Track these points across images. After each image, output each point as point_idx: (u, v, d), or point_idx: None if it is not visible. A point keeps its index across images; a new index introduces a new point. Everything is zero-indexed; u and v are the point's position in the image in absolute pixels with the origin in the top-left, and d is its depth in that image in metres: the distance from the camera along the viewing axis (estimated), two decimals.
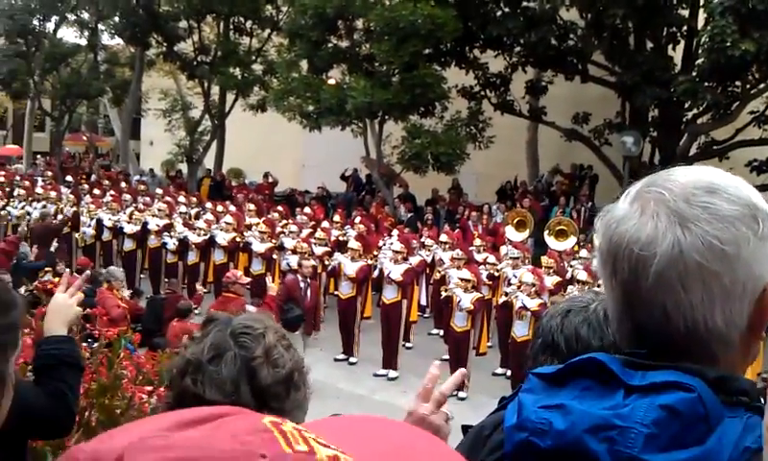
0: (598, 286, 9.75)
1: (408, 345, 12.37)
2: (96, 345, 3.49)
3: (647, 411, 0.92)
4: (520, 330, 10.22)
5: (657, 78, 16.09)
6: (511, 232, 15.06)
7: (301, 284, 11.34)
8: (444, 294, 11.53)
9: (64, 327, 2.26)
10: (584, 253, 13.21)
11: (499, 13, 17.64)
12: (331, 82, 19.38)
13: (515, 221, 15.47)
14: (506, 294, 11.15)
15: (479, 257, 13.38)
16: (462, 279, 11.09)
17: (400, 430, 0.90)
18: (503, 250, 13.92)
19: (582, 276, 11.09)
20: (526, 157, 22.19)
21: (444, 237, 14.35)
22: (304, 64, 20.16)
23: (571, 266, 12.58)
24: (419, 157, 17.55)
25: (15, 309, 1.23)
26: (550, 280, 11.57)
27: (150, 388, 3.30)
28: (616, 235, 1.00)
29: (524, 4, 17.51)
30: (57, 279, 7.62)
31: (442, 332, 12.55)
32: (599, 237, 1.07)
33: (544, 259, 12.37)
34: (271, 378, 1.31)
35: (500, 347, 11.58)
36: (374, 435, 0.84)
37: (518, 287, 10.69)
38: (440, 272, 13.30)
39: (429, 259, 14.15)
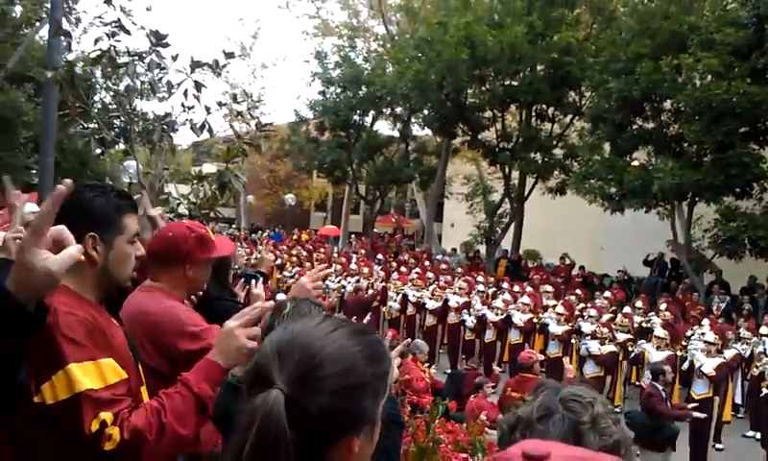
0: None
1: (719, 446, 11.18)
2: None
3: None
4: None
5: None
6: None
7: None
8: (764, 392, 10.31)
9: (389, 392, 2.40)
10: None
11: None
12: (635, 163, 18.84)
13: None
14: None
15: None
16: None
17: None
18: None
19: None
20: None
21: (764, 329, 12.95)
22: (607, 147, 19.91)
23: None
24: (734, 240, 16.19)
25: (387, 360, 1.33)
26: None
27: (465, 455, 3.40)
28: None
29: None
30: None
31: (759, 435, 11.19)
32: None
33: None
34: (597, 445, 1.33)
35: None
36: None
37: None
38: (758, 367, 11.98)
39: (746, 353, 12.83)
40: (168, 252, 2.99)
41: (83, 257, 1.71)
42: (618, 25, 19.59)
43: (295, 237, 32.75)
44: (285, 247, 27.32)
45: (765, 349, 12.33)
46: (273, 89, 68.35)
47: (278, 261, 22.60)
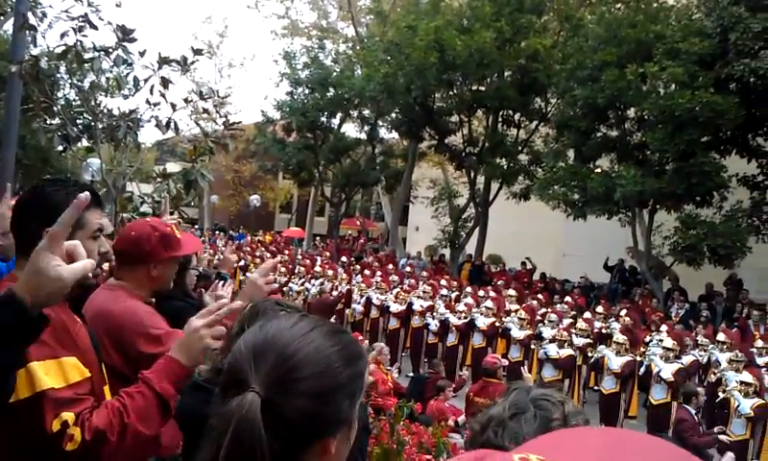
0: None
1: None
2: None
3: None
4: None
5: None
6: None
7: None
8: (720, 396, 10.53)
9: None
10: None
11: None
12: (598, 170, 19.10)
13: None
14: None
15: (761, 361, 12.09)
16: (741, 383, 10.08)
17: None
18: None
19: None
20: None
21: (721, 336, 13.20)
22: (571, 154, 20.15)
23: None
24: (693, 248, 16.49)
25: (363, 360, 1.32)
26: None
27: (429, 457, 3.42)
28: None
29: None
30: None
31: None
32: None
33: None
34: None
35: None
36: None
37: None
38: (715, 374, 12.21)
39: (704, 360, 13.09)
40: (131, 250, 2.95)
41: (90, 274, 1.73)
42: (585, 33, 19.74)
43: (258, 239, 32.56)
44: (249, 248, 27.14)
45: (718, 357, 12.56)
46: (240, 89, 68.00)
47: (242, 262, 22.45)
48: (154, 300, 3.07)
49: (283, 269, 22.17)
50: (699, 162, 16.44)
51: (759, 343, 13.10)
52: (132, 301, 2.89)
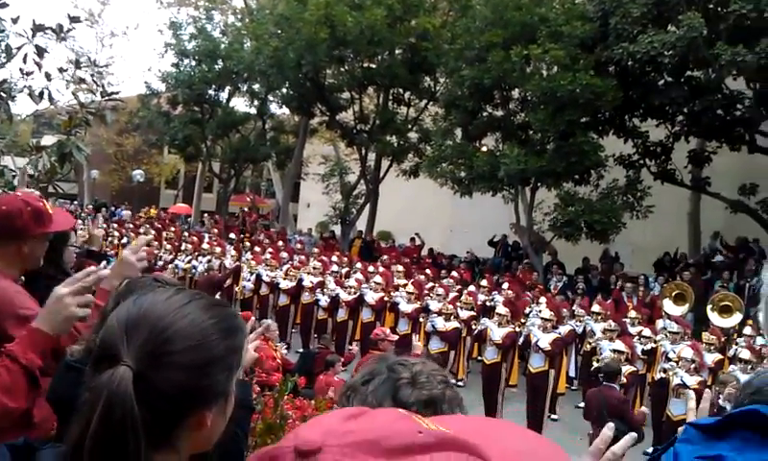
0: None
1: (554, 417, 11.99)
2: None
3: None
4: (677, 409, 9.67)
5: None
6: (668, 306, 14.37)
7: None
8: (594, 365, 11.16)
9: (242, 371, 2.38)
10: (747, 330, 12.36)
11: (661, 83, 17.16)
12: (484, 149, 19.61)
13: (673, 294, 14.75)
14: (663, 370, 10.61)
15: (633, 330, 12.85)
16: (615, 351, 10.72)
17: (526, 435, 0.90)
18: (659, 324, 13.31)
19: (745, 354, 10.37)
20: (688, 230, 21.18)
21: (596, 307, 13.94)
22: (459, 132, 20.57)
23: (736, 344, 11.81)
24: (571, 224, 17.28)
25: (241, 333, 1.31)
26: (711, 358, 10.91)
27: None
28: None
29: (688, 73, 17.00)
30: None
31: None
32: None
33: (705, 336, 11.69)
34: (413, 397, 1.39)
35: (653, 424, 10.97)
36: (504, 435, 0.86)
37: (677, 363, 10.16)
38: (590, 343, 12.89)
39: (579, 330, 13.78)
40: (2, 227, 2.81)
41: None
42: (473, 14, 20.05)
43: (143, 215, 31.45)
44: (132, 225, 26.19)
45: (593, 327, 13.27)
46: (123, 60, 65.14)
47: (125, 240, 21.66)
48: (23, 278, 2.94)
49: (169, 246, 21.58)
50: (578, 142, 17.16)
51: (632, 313, 13.94)
52: (1, 280, 2.76)
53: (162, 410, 1.16)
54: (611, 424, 1.58)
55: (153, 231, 23.17)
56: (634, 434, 1.56)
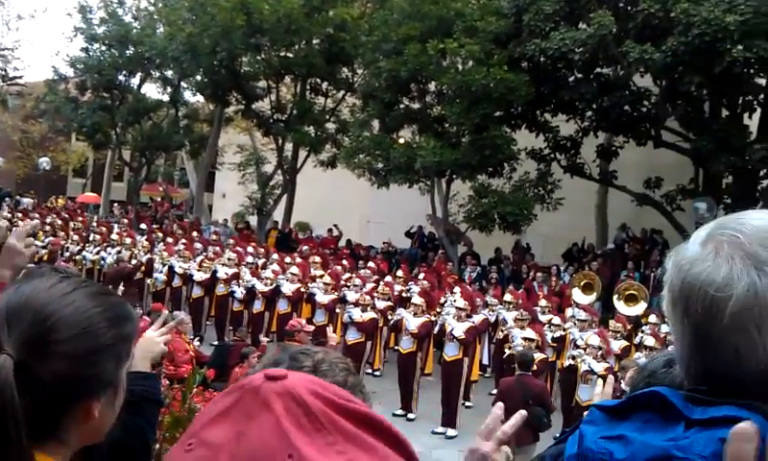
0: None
1: (468, 404, 12.20)
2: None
3: (706, 444, 0.92)
4: (585, 394, 9.99)
5: (732, 145, 15.77)
6: (577, 295, 14.85)
7: None
8: (507, 353, 11.42)
9: (149, 364, 2.28)
10: (653, 318, 12.92)
11: (572, 79, 17.66)
12: (401, 141, 19.74)
13: (581, 283, 15.26)
14: (572, 357, 10.96)
15: (543, 318, 13.22)
16: (526, 339, 10.99)
17: None
18: (569, 312, 13.75)
19: (649, 342, 10.84)
20: (595, 221, 21.95)
21: (508, 297, 14.25)
22: (376, 124, 20.65)
23: (642, 332, 12.32)
24: (485, 216, 17.60)
25: (131, 322, 1.29)
26: (617, 345, 11.33)
27: None
28: (690, 277, 1.02)
29: (597, 70, 17.56)
30: None
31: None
32: (669, 278, 1.09)
33: (612, 323, 12.16)
34: None
35: (563, 409, 11.32)
36: None
37: (585, 350, 10.50)
38: (503, 331, 13.18)
39: (492, 319, 14.06)
40: None
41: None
42: (391, 6, 20.12)
43: (50, 205, 30.19)
44: (38, 215, 25.07)
45: (505, 316, 13.58)
46: (30, 44, 61.98)
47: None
48: None
49: (76, 237, 20.80)
50: (492, 135, 17.50)
51: (543, 302, 14.32)
52: None
53: (45, 400, 1.13)
54: (500, 404, 1.59)
55: (59, 222, 22.27)
56: (523, 412, 1.57)
